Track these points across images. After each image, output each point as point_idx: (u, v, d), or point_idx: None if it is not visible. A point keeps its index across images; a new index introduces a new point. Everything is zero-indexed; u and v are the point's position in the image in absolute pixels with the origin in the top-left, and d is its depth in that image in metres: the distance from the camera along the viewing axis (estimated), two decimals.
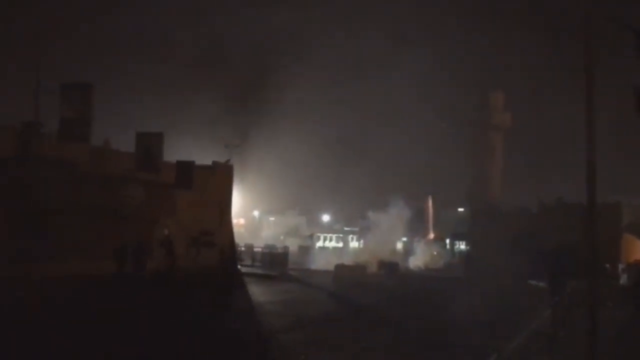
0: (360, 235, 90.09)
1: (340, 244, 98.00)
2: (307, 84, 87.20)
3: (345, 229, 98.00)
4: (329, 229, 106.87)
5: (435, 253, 75.00)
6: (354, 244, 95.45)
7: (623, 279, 40.59)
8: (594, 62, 13.59)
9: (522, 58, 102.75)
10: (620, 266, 44.10)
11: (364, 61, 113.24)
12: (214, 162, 42.51)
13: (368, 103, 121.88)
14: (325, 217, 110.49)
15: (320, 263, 61.02)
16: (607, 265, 42.40)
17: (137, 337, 16.26)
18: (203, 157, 41.34)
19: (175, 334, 17.26)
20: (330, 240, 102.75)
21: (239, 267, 45.21)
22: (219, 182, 41.76)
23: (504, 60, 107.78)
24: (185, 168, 35.43)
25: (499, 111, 73.15)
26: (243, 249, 55.23)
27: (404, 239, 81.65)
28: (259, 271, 45.79)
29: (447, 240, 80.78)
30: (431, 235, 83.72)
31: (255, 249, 57.47)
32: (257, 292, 31.20)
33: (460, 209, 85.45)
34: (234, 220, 49.21)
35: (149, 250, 29.98)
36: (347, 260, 60.93)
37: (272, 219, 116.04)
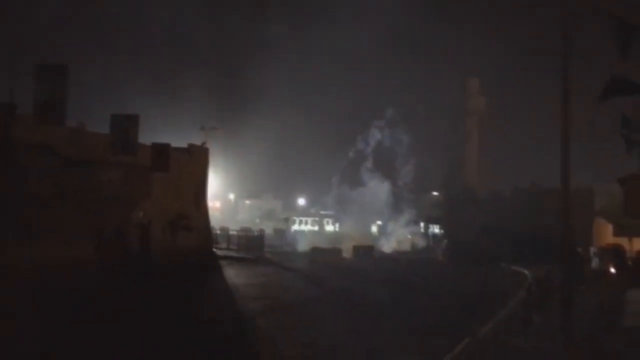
0: (335, 219, 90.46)
1: (316, 228, 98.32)
2: (283, 68, 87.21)
3: (322, 212, 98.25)
4: (304, 212, 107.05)
5: (409, 236, 75.65)
6: (329, 227, 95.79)
7: (595, 263, 41.08)
8: (571, 48, 13.74)
9: (498, 44, 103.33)
10: (592, 249, 44.64)
11: (340, 47, 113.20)
12: (190, 145, 42.25)
13: (346, 87, 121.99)
14: (301, 201, 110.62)
15: (302, 245, 62.04)
16: (580, 249, 42.92)
17: (111, 323, 16.22)
18: (179, 139, 41.08)
19: (150, 319, 17.26)
20: (306, 223, 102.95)
21: (214, 249, 45.23)
22: (194, 165, 41.53)
23: (481, 46, 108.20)
24: (161, 150, 35.03)
25: (474, 97, 73.57)
26: (218, 232, 55.12)
27: (379, 222, 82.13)
28: (235, 254, 45.83)
29: (422, 224, 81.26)
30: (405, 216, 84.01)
31: (231, 232, 57.45)
32: (233, 274, 31.25)
33: (435, 193, 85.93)
34: (210, 203, 49.09)
35: (126, 234, 29.81)
36: (323, 244, 61.38)
37: (247, 202, 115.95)
